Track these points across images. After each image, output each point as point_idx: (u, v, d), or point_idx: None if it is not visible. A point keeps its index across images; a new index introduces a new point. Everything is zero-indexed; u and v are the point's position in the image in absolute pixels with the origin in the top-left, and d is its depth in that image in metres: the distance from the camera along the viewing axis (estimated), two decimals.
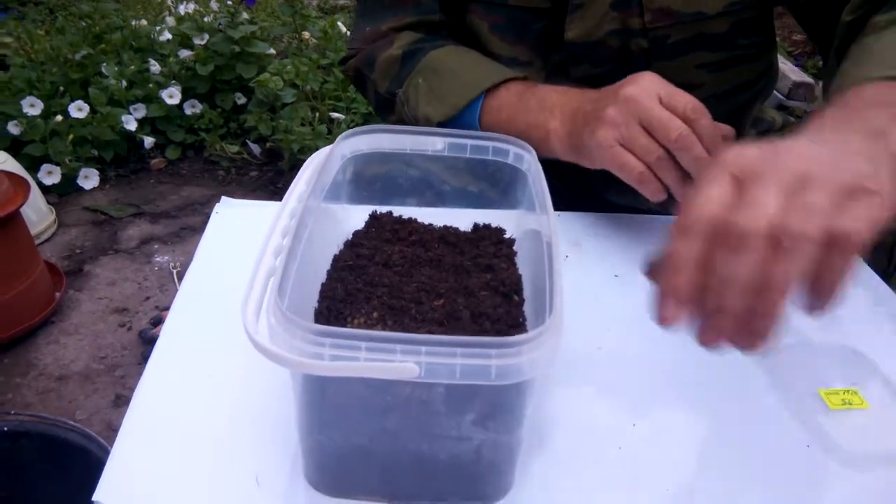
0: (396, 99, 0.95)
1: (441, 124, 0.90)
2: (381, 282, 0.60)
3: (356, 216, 0.70)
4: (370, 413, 0.48)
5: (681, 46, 0.88)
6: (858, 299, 0.73)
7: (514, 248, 0.68)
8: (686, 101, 0.70)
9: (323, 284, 0.60)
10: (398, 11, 0.97)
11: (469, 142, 0.68)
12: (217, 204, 0.83)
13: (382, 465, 0.50)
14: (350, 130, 0.67)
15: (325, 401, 0.48)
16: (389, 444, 0.49)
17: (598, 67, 0.90)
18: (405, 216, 0.71)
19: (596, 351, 0.65)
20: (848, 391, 0.60)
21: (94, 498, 0.49)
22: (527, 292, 0.61)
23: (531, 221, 0.64)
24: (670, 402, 0.60)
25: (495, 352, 0.41)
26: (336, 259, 0.65)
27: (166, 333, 0.64)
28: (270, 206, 0.85)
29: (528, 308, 0.59)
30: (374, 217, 0.71)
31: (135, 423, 0.55)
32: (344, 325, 0.53)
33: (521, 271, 0.64)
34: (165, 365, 0.61)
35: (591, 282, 0.74)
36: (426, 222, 0.70)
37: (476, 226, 0.70)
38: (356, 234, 0.69)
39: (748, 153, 0.44)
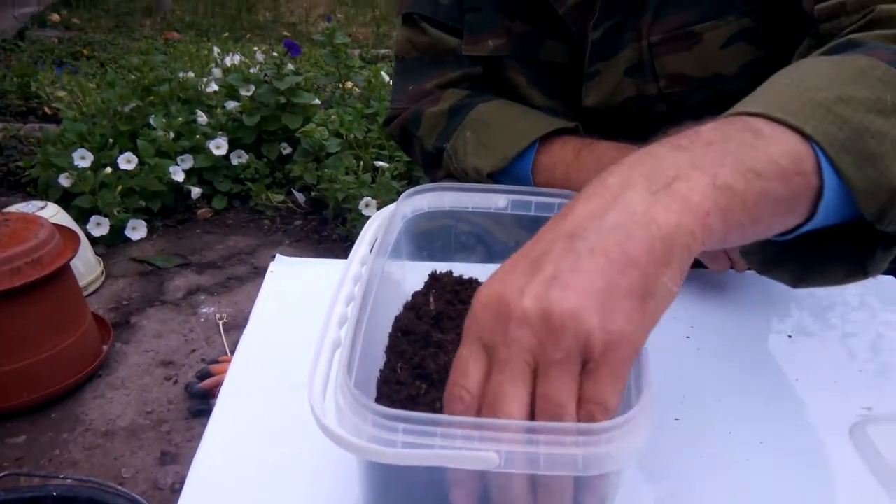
0: (444, 154, 0.94)
1: (491, 176, 0.89)
2: (445, 348, 0.57)
3: (414, 275, 0.68)
4: (441, 499, 0.44)
5: (703, 107, 0.86)
6: None
7: None
8: None
9: (386, 352, 0.58)
10: (441, 67, 0.97)
11: (534, 199, 0.65)
12: (272, 262, 0.81)
13: None
14: (411, 189, 0.65)
15: (390, 484, 0.45)
16: None
17: (621, 129, 0.89)
18: (465, 275, 0.68)
19: (673, 423, 0.61)
20: None
21: None
22: None
23: None
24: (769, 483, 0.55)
25: (583, 439, 0.38)
26: (398, 321, 0.62)
27: (221, 406, 0.61)
28: (326, 263, 0.83)
29: None
30: (433, 277, 0.68)
31: None
32: (408, 402, 0.49)
33: None
34: (221, 442, 0.58)
35: (662, 344, 0.70)
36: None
37: None
38: (416, 295, 0.66)
39: (482, 317, 0.41)
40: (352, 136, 2.37)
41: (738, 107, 0.50)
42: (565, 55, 0.91)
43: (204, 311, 1.89)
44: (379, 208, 2.35)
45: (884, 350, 0.70)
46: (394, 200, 1.82)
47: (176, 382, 1.63)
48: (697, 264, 0.80)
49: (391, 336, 0.59)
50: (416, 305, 0.64)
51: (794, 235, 0.51)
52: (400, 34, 1.02)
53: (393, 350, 0.58)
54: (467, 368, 0.41)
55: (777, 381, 0.65)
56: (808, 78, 0.53)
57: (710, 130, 0.47)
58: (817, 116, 0.48)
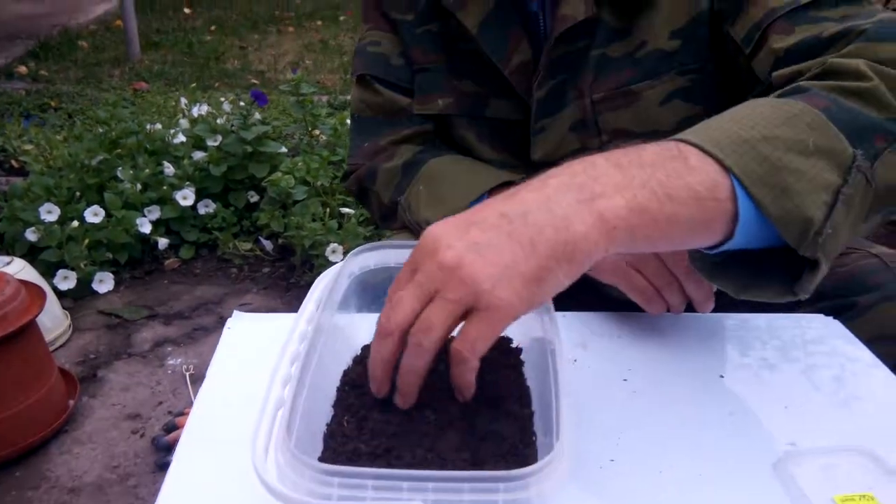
0: (399, 207, 0.98)
1: None
2: (388, 402, 0.60)
3: (365, 327, 0.71)
4: None
5: None
6: (872, 400, 0.72)
7: (522, 357, 0.68)
8: None
9: (334, 406, 0.60)
10: (394, 125, 1.02)
11: None
12: (229, 318, 0.84)
13: None
14: (359, 248, 0.69)
15: None
16: None
17: None
18: None
19: (608, 464, 0.64)
20: (864, 496, 0.59)
21: None
22: (535, 404, 0.61)
23: (536, 328, 0.65)
24: None
25: (503, 486, 0.41)
26: (346, 375, 0.65)
27: (177, 463, 0.64)
28: (282, 318, 0.86)
29: (537, 420, 0.59)
30: None
31: None
32: (353, 455, 0.52)
33: (529, 382, 0.65)
34: (177, 500, 0.60)
35: (599, 387, 0.74)
36: None
37: None
38: (364, 348, 0.70)
39: (420, 247, 0.54)
40: (318, 183, 2.41)
41: (683, 134, 0.59)
42: (512, 112, 0.96)
43: (171, 362, 1.90)
44: (346, 254, 2.37)
45: (809, 387, 0.74)
46: (361, 245, 1.85)
47: (143, 436, 1.64)
48: (635, 308, 0.84)
49: (339, 389, 0.63)
50: (364, 358, 0.67)
51: (720, 251, 0.60)
52: (355, 94, 1.06)
53: (340, 404, 0.61)
54: (399, 277, 0.55)
55: (708, 419, 0.69)
56: (746, 117, 0.60)
57: (649, 153, 0.57)
58: (740, 151, 0.56)
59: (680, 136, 0.59)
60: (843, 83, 0.64)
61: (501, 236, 0.52)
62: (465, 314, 0.51)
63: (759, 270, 0.62)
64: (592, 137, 0.93)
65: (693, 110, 0.89)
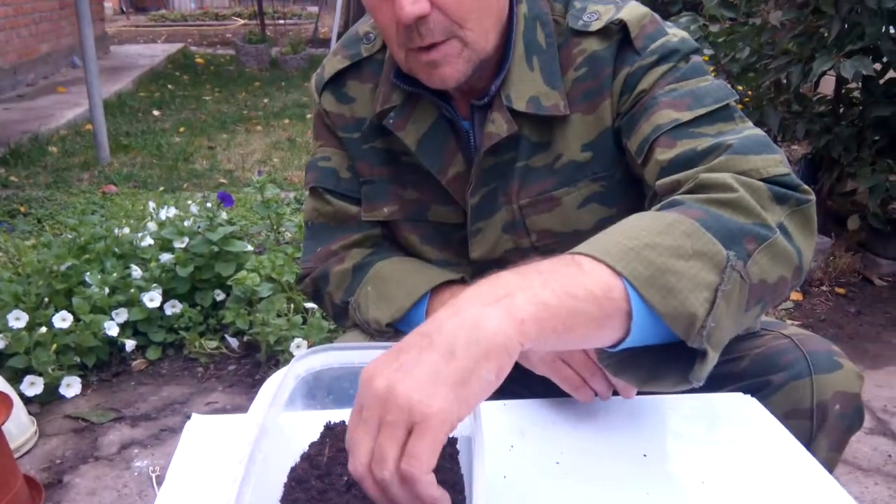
0: (349, 307, 1.06)
1: (390, 325, 1.00)
2: (335, 495, 0.65)
3: (310, 425, 0.77)
4: None
5: None
6: (784, 474, 0.79)
7: (458, 446, 0.74)
8: None
9: (280, 502, 0.66)
10: (345, 231, 1.10)
11: None
12: (188, 421, 0.89)
13: None
14: (304, 352, 0.76)
15: None
16: None
17: None
18: None
19: None
20: None
21: None
22: (467, 490, 0.67)
23: (467, 420, 0.71)
24: None
25: None
26: (293, 472, 0.71)
27: None
28: (238, 419, 0.91)
29: None
30: (328, 428, 0.77)
31: None
32: None
33: (463, 470, 0.71)
34: None
35: (534, 471, 0.80)
36: None
37: None
38: (312, 445, 0.75)
39: (360, 387, 0.59)
40: (284, 279, 2.48)
41: (576, 248, 0.68)
42: (451, 216, 1.06)
43: (137, 464, 1.91)
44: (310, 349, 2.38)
45: (726, 462, 0.81)
46: (326, 339, 1.96)
47: None
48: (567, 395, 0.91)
49: (286, 486, 0.68)
50: (311, 455, 0.73)
51: (621, 347, 0.67)
52: (308, 204, 1.15)
53: (286, 500, 0.66)
54: (351, 419, 0.59)
55: (631, 496, 0.75)
56: (630, 228, 0.69)
57: (547, 263, 0.65)
58: (628, 258, 0.65)
59: (574, 250, 0.67)
60: (713, 195, 0.74)
61: (422, 352, 0.58)
62: (410, 432, 0.55)
63: (658, 364, 0.70)
64: (523, 237, 1.02)
65: (609, 212, 0.99)
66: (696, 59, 0.93)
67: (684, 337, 0.65)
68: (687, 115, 0.86)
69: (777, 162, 0.78)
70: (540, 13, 0.97)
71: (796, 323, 2.66)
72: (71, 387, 2.20)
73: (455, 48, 0.87)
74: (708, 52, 2.98)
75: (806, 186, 0.78)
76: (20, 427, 1.97)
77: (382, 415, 0.56)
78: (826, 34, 2.59)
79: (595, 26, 0.94)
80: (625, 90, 0.93)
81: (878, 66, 2.74)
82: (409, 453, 0.55)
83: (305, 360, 0.75)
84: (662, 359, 0.69)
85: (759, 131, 0.85)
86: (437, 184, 1.03)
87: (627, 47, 0.93)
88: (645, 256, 0.65)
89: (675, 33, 0.94)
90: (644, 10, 0.95)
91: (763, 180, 0.76)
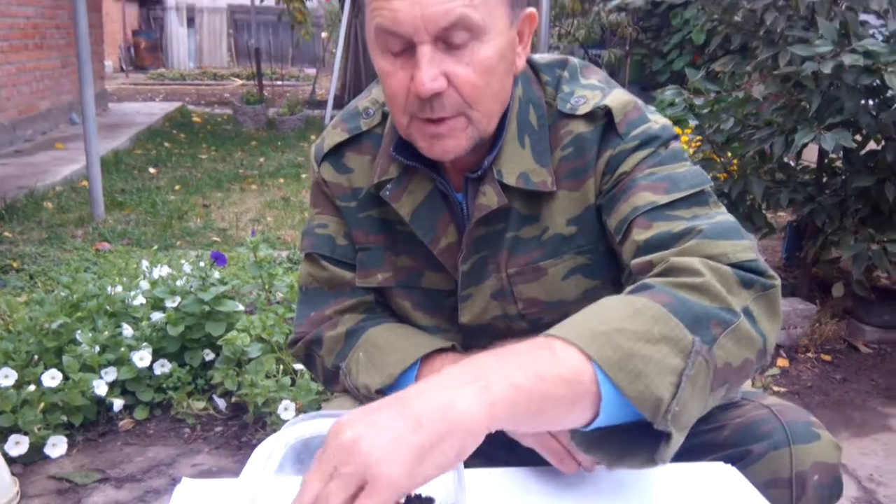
0: (340, 372, 1.08)
1: (380, 392, 1.02)
2: None
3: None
4: None
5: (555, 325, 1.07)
6: None
7: None
8: None
9: None
10: (339, 296, 1.13)
11: None
12: (177, 486, 0.90)
13: None
14: (294, 418, 0.78)
15: None
16: None
17: (494, 342, 1.07)
18: None
19: None
20: None
21: None
22: None
23: (450, 484, 0.73)
24: None
25: None
26: None
27: None
28: (227, 483, 0.92)
29: None
30: None
31: None
32: None
33: None
34: None
35: None
36: None
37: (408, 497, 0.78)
38: None
39: (328, 436, 0.63)
40: (274, 339, 2.49)
41: (551, 330, 0.72)
42: (443, 283, 1.09)
43: None
44: (298, 411, 2.39)
45: None
46: (314, 402, 1.98)
47: None
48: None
49: None
50: None
51: (592, 428, 0.70)
52: (303, 269, 1.18)
53: None
54: (313, 463, 0.63)
55: None
56: (600, 313, 0.73)
57: (523, 345, 0.69)
58: (598, 343, 0.69)
59: (548, 332, 0.72)
60: (681, 279, 0.77)
61: (393, 414, 0.62)
62: (361, 487, 0.59)
63: (628, 443, 0.73)
64: (510, 304, 1.06)
65: (592, 283, 1.02)
66: (675, 145, 0.98)
67: (651, 419, 0.69)
68: (664, 199, 0.91)
69: (746, 248, 0.83)
70: (533, 97, 1.02)
71: (782, 390, 2.67)
72: (56, 446, 2.18)
73: (461, 124, 0.92)
74: (693, 122, 3.07)
75: (772, 272, 0.82)
76: (2, 488, 1.95)
77: (339, 464, 0.60)
78: (807, 107, 2.68)
79: (582, 110, 0.99)
80: (607, 171, 0.98)
81: (858, 137, 2.83)
82: None
83: (295, 427, 0.77)
84: (633, 438, 0.72)
85: (730, 217, 0.89)
86: (429, 252, 1.06)
87: (611, 131, 0.98)
88: (614, 341, 0.69)
89: (657, 120, 0.99)
90: (629, 97, 1.00)
91: (731, 265, 0.80)
